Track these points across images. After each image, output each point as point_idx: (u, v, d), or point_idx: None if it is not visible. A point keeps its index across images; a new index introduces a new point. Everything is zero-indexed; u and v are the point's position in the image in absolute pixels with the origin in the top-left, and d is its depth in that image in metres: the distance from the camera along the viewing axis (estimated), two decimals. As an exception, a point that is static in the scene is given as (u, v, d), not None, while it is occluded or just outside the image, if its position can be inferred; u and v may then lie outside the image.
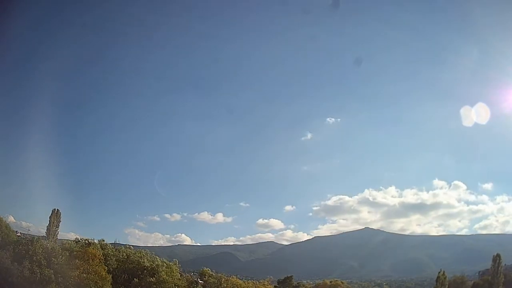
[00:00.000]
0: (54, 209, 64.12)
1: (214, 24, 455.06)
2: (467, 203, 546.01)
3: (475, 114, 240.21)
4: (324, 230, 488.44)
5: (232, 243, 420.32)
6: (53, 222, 62.01)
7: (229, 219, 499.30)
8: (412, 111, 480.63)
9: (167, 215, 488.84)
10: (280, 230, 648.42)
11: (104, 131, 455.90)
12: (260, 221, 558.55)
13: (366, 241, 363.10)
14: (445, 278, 70.54)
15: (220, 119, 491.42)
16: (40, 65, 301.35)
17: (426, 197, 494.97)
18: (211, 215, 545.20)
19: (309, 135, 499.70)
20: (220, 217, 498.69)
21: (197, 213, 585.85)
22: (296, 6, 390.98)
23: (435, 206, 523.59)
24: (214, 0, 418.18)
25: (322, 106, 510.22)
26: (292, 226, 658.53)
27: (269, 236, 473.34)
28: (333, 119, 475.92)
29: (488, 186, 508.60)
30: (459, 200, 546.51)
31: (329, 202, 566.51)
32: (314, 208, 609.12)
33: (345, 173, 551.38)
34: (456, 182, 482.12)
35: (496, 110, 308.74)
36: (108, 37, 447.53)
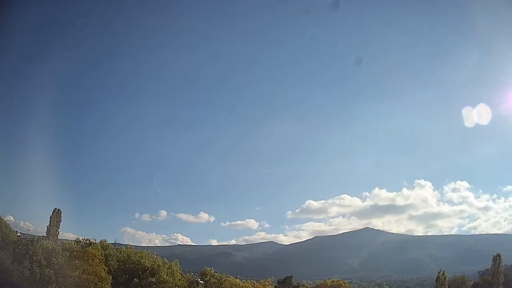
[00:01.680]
0: (55, 208, 63.94)
1: (213, 25, 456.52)
2: (453, 203, 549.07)
3: (476, 115, 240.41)
4: (298, 232, 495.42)
5: (231, 243, 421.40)
6: (54, 222, 61.82)
7: (212, 219, 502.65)
8: (406, 113, 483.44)
9: (159, 215, 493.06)
10: (254, 231, 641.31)
11: (104, 133, 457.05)
12: (238, 222, 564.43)
13: (366, 241, 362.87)
14: (445, 278, 70.52)
15: (220, 121, 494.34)
16: (41, 67, 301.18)
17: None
18: (193, 215, 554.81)
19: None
20: (205, 216, 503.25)
21: (183, 213, 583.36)
22: (296, 7, 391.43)
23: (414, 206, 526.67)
24: (213, 1, 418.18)
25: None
26: (266, 226, 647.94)
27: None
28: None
29: (467, 185, 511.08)
30: (443, 201, 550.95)
31: (302, 206, 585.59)
32: (287, 212, 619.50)
33: (319, 176, 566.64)
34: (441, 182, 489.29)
35: (498, 111, 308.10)
36: (108, 38, 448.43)
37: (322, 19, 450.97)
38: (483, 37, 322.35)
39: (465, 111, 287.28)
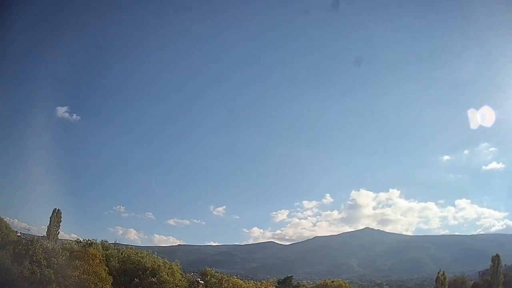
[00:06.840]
0: (55, 209, 64.00)
1: (212, 25, 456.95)
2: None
3: (480, 117, 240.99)
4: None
5: (232, 244, 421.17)
6: (54, 222, 61.86)
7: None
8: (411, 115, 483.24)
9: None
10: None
11: (104, 133, 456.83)
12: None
13: (366, 241, 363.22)
14: (444, 278, 70.50)
15: (221, 120, 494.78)
16: (41, 66, 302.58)
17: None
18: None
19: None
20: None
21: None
22: (296, 6, 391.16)
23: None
24: (212, 1, 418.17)
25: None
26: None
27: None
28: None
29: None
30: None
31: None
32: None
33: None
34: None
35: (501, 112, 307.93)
36: (107, 38, 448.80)
37: (322, 19, 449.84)
38: (485, 37, 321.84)
39: (470, 113, 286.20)
